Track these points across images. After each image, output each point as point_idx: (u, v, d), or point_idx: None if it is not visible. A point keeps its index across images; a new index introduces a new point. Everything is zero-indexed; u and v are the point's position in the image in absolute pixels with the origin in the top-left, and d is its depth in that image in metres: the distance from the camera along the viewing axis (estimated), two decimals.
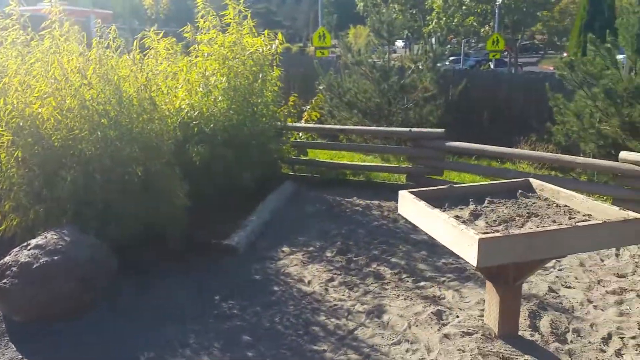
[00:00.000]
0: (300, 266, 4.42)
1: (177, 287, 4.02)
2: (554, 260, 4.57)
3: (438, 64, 9.61)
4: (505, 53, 28.76)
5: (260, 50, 5.57)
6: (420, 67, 9.30)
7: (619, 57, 8.18)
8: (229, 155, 4.94)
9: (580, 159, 5.83)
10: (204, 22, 5.59)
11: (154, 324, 3.50)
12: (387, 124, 9.40)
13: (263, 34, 5.71)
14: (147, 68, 4.73)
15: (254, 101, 5.59)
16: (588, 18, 17.62)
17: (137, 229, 4.10)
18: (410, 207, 3.36)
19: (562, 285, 4.15)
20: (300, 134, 7.74)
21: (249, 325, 3.52)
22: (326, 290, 4.01)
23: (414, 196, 3.36)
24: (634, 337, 3.41)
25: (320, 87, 9.69)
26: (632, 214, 2.91)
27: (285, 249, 4.78)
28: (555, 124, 8.46)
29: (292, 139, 7.17)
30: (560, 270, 4.42)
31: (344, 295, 3.93)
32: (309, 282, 4.13)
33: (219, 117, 5.12)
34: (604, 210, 3.07)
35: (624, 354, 3.25)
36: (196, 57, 5.47)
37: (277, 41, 5.74)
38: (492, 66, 20.73)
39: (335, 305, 3.78)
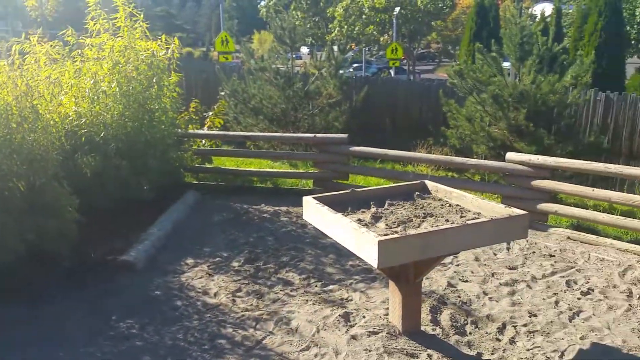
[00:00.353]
0: (206, 278, 4.28)
1: (70, 309, 3.71)
2: (451, 257, 4.82)
3: (340, 71, 9.82)
4: (404, 61, 30.19)
5: (156, 54, 5.33)
6: (323, 73, 9.45)
7: (505, 64, 8.86)
8: (123, 165, 4.67)
9: (472, 161, 6.23)
10: (94, 24, 5.26)
11: (43, 353, 3.19)
12: (294, 129, 9.43)
13: (160, 38, 5.48)
14: (28, 74, 4.34)
15: (151, 107, 5.35)
16: (476, 28, 18.98)
17: (22, 249, 3.73)
18: (314, 212, 3.37)
19: (460, 279, 4.38)
20: (204, 141, 7.54)
21: (149, 345, 3.33)
22: (233, 301, 3.91)
23: (318, 201, 3.38)
24: (525, 325, 3.66)
25: (222, 93, 9.52)
26: (517, 211, 3.13)
27: (189, 261, 4.60)
28: (450, 128, 8.98)
29: (194, 147, 6.96)
30: (457, 265, 4.67)
31: (252, 304, 3.86)
32: (215, 294, 4.01)
33: (112, 124, 4.83)
34: (492, 208, 3.28)
35: (517, 341, 3.48)
36: (82, 61, 5.12)
37: (173, 45, 5.53)
38: (392, 74, 21.61)
39: (242, 315, 3.69)
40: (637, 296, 4.10)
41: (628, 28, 23.23)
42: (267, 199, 6.42)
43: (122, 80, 5.03)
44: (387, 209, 3.49)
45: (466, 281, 4.35)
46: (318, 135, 6.69)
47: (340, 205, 3.47)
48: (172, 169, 5.96)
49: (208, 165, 7.06)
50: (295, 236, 5.26)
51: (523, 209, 5.63)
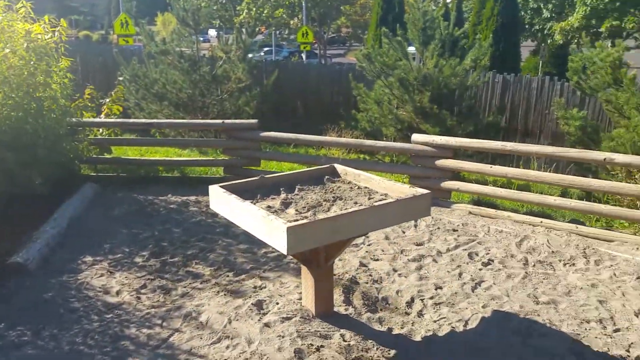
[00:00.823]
0: (107, 276, 4.01)
1: None
2: (363, 237, 4.91)
3: (250, 55, 9.62)
4: (316, 45, 30.26)
5: (40, 37, 4.84)
6: (231, 57, 9.18)
7: (410, 49, 9.11)
8: (8, 157, 4.22)
9: (380, 143, 6.35)
10: None
11: None
12: (202, 115, 9.12)
13: (42, 20, 4.98)
14: None
15: (39, 95, 4.87)
16: (382, 13, 19.41)
17: None
18: (221, 201, 3.24)
19: (372, 258, 4.46)
20: (102, 130, 7.05)
21: (44, 352, 3.06)
22: (138, 298, 3.70)
23: (225, 190, 3.25)
24: (432, 298, 3.81)
25: (121, 78, 8.95)
26: (421, 191, 3.21)
27: (88, 259, 4.29)
28: (360, 112, 9.12)
29: (91, 136, 6.48)
30: (369, 245, 4.75)
31: (158, 301, 3.67)
32: (117, 292, 3.76)
33: None
34: (398, 189, 3.34)
35: (424, 313, 3.60)
36: None
37: (59, 28, 5.05)
38: (304, 58, 21.56)
39: (148, 313, 3.50)
40: (532, 264, 4.41)
41: (522, 13, 24.90)
42: (175, 188, 6.15)
43: (2, 66, 4.52)
44: (297, 195, 3.44)
45: (377, 260, 4.45)
46: (227, 121, 6.50)
47: (248, 192, 3.37)
48: (66, 160, 5.49)
49: (107, 156, 6.61)
50: (205, 226, 5.08)
51: (429, 188, 5.85)
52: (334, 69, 13.32)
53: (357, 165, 6.51)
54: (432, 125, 8.11)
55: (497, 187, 6.38)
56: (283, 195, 3.37)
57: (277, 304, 3.61)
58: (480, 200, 6.14)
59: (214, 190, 3.29)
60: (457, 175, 6.76)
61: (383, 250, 4.65)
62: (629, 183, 5.54)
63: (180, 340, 3.20)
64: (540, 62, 18.01)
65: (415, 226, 5.27)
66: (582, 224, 5.48)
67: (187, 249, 4.53)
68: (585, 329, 3.40)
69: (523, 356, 3.09)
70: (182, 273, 4.09)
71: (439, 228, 5.22)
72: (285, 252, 2.69)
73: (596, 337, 3.30)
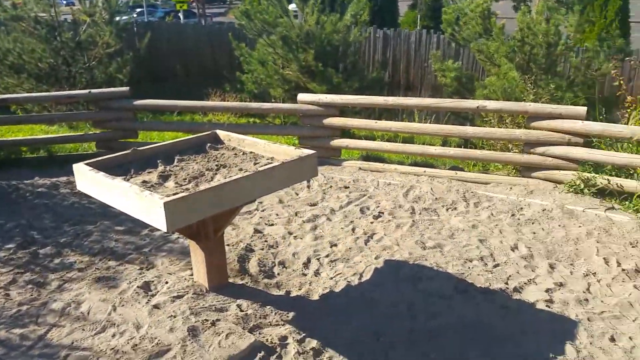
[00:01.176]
0: None
1: None
2: (256, 203, 4.79)
3: (117, 17, 8.79)
4: (193, 4, 28.71)
5: None
6: (96, 20, 8.33)
7: (291, 6, 8.90)
8: None
9: (267, 105, 6.18)
10: None
11: None
12: (70, 87, 8.25)
13: None
14: None
15: None
16: None
17: None
18: (89, 181, 2.91)
19: (266, 224, 4.38)
20: None
21: None
22: (6, 296, 3.29)
23: (91, 167, 2.93)
24: (327, 256, 3.83)
25: None
26: (306, 151, 3.13)
27: None
28: (245, 73, 8.82)
29: None
30: (263, 210, 4.65)
31: (30, 296, 3.29)
32: None
33: None
34: (283, 151, 3.23)
35: (321, 272, 3.61)
36: None
37: None
38: (181, 18, 20.36)
39: (19, 311, 3.12)
40: (419, 212, 4.60)
41: None
42: (42, 170, 5.53)
43: None
44: (176, 166, 3.21)
45: (272, 224, 4.37)
46: (94, 90, 5.91)
47: (120, 168, 3.08)
48: None
49: None
50: (80, 209, 4.64)
51: (318, 147, 5.87)
52: (213, 28, 12.68)
53: (246, 129, 6.33)
54: (319, 83, 8.08)
55: (384, 141, 6.55)
56: (161, 168, 3.13)
57: (167, 283, 3.41)
58: (369, 156, 6.28)
59: (79, 168, 2.96)
60: (347, 133, 6.84)
61: (277, 215, 4.58)
62: (501, 128, 5.95)
63: (59, 336, 2.90)
64: (419, 15, 18.64)
65: (309, 187, 5.26)
66: (461, 170, 5.83)
67: (60, 236, 4.10)
68: (469, 268, 3.62)
69: (414, 301, 3.22)
70: (56, 263, 3.70)
71: (331, 187, 5.25)
72: (165, 230, 2.49)
73: (478, 274, 3.52)
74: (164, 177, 3.00)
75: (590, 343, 2.84)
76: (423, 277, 3.50)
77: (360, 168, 5.87)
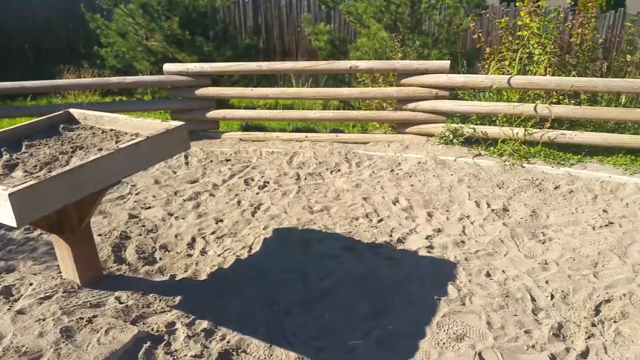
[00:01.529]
0: None
1: None
2: (129, 187, 4.43)
3: None
4: None
5: None
6: None
7: None
8: None
9: (129, 79, 5.69)
10: None
11: None
12: None
13: None
14: None
15: None
16: None
17: None
18: None
19: (142, 207, 4.07)
20: None
21: None
22: None
23: None
24: (213, 232, 3.65)
25: None
26: (174, 123, 2.90)
27: None
28: (104, 47, 8.07)
29: None
30: (137, 194, 4.32)
31: None
32: None
33: None
34: (148, 126, 2.96)
35: (207, 250, 3.44)
36: None
37: None
38: None
39: None
40: (304, 177, 4.56)
41: None
42: None
43: None
44: (24, 153, 2.81)
45: (149, 207, 4.07)
46: None
47: None
48: None
49: None
50: None
51: (193, 120, 5.57)
52: (65, 1, 11.42)
53: (111, 107, 5.80)
54: (189, 53, 7.63)
55: (264, 109, 6.40)
56: (6, 157, 2.72)
57: (31, 284, 3.02)
58: (249, 126, 6.10)
59: None
60: (228, 105, 6.57)
61: (154, 196, 4.27)
62: (374, 87, 6.08)
63: None
64: None
65: (187, 163, 4.98)
66: (342, 132, 5.90)
67: None
68: (355, 226, 3.67)
69: (305, 264, 3.19)
70: None
71: (211, 161, 5.02)
72: (14, 225, 2.16)
73: (365, 231, 3.58)
74: (10, 167, 2.62)
75: (469, 281, 3.02)
76: (313, 240, 3.48)
77: (241, 139, 5.68)
